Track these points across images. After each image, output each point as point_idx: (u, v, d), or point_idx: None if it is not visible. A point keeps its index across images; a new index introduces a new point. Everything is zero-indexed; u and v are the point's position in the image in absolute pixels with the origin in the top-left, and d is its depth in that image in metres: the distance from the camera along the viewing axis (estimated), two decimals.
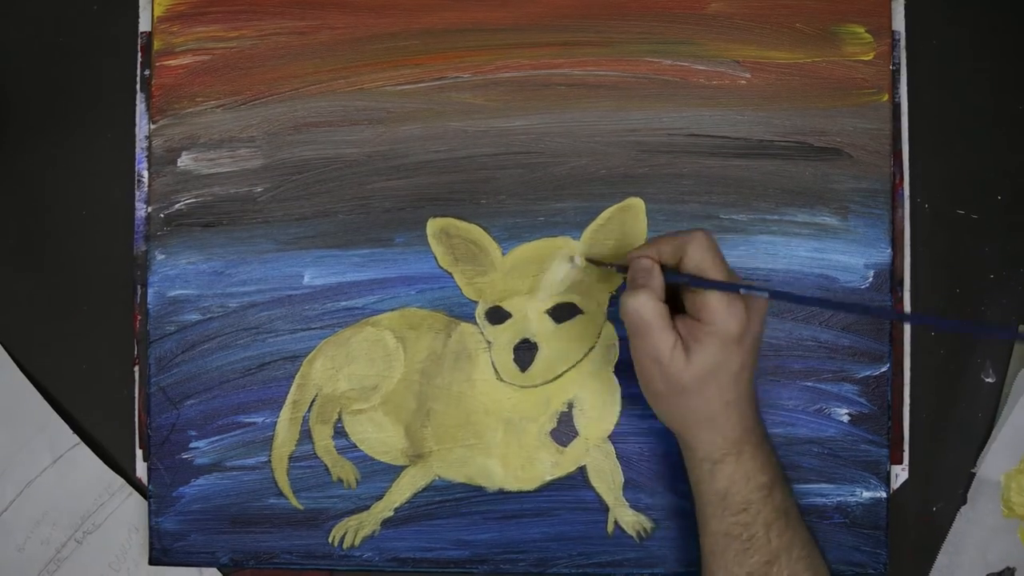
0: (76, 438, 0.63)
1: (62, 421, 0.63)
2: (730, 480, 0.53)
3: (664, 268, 0.53)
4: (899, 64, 0.62)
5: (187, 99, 0.62)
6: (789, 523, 0.53)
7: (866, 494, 0.60)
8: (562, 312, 0.60)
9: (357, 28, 0.62)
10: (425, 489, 0.61)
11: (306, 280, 0.61)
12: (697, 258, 0.52)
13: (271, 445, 0.61)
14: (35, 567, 0.62)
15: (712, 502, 0.54)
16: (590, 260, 0.60)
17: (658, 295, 0.52)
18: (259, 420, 0.61)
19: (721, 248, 0.59)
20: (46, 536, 0.63)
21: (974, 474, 0.61)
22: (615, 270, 0.58)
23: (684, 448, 0.55)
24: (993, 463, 0.61)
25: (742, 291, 0.51)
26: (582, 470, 0.61)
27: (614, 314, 0.61)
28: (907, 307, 0.62)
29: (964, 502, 0.61)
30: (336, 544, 0.61)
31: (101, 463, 0.63)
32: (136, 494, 0.63)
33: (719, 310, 0.51)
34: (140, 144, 0.63)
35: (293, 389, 0.61)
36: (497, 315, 0.61)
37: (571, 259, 0.60)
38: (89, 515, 0.63)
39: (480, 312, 0.61)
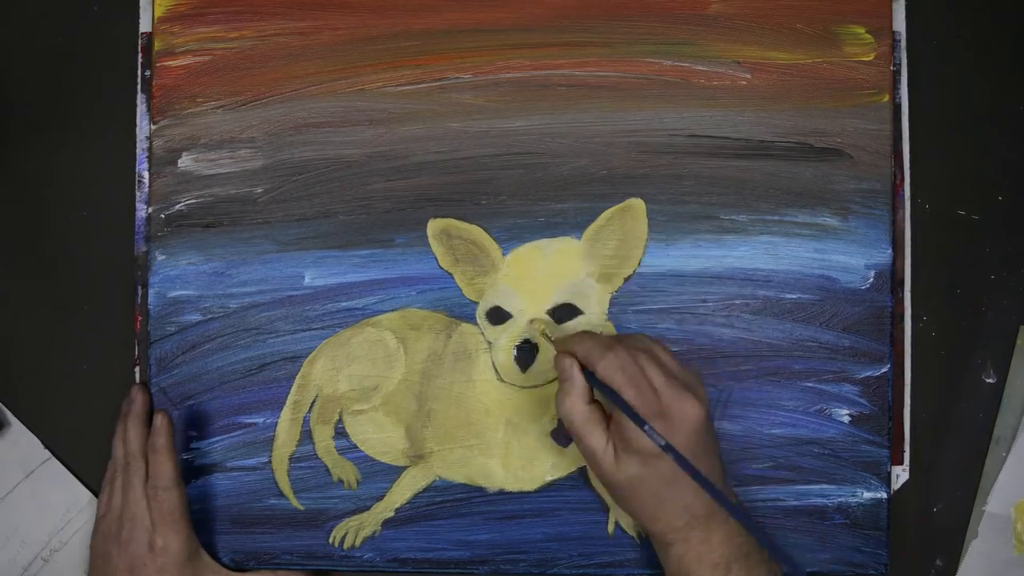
0: (48, 453, 0.63)
1: (33, 436, 0.63)
2: (679, 562, 0.53)
3: (586, 371, 0.53)
4: (899, 65, 0.62)
5: (188, 100, 0.62)
6: None
7: (867, 495, 0.60)
8: (562, 313, 0.60)
9: (358, 29, 0.62)
10: (426, 489, 0.61)
11: (307, 281, 0.61)
12: (607, 376, 0.52)
13: (272, 446, 0.61)
14: None
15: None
16: (544, 335, 0.59)
17: (585, 397, 0.53)
18: (260, 421, 0.61)
19: (721, 248, 0.59)
20: (13, 554, 0.62)
21: (984, 511, 0.61)
22: (548, 340, 0.58)
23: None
24: (1002, 496, 0.61)
25: (645, 428, 0.50)
26: (582, 470, 0.61)
27: (614, 315, 0.61)
28: (908, 307, 0.62)
29: (965, 504, 0.62)
30: (337, 544, 0.61)
31: (72, 478, 0.63)
32: None
33: (631, 429, 0.51)
34: (141, 145, 0.63)
35: (294, 390, 0.61)
36: (497, 315, 0.61)
37: (530, 323, 0.60)
38: (56, 532, 0.63)
39: (480, 312, 0.61)
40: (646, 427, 0.50)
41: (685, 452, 0.51)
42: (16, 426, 0.63)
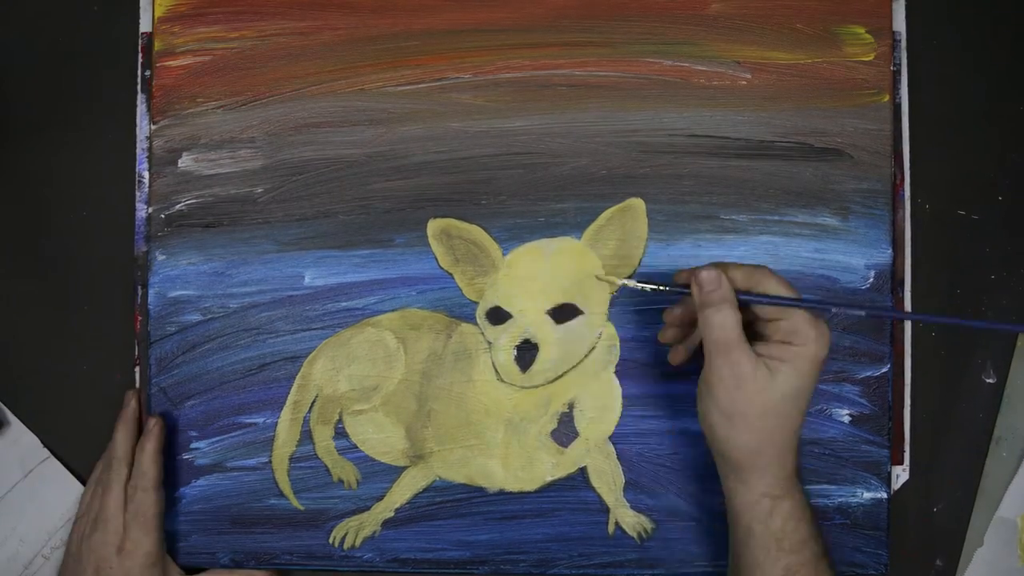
0: (47, 452, 0.63)
1: (33, 435, 0.63)
2: (788, 517, 0.51)
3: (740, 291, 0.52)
4: (899, 65, 0.62)
5: (188, 100, 0.62)
6: (831, 560, 0.52)
7: (867, 495, 0.60)
8: (563, 313, 0.60)
9: (358, 29, 0.62)
10: (426, 490, 0.61)
11: (307, 281, 0.61)
12: (774, 287, 0.51)
13: (272, 446, 0.61)
14: None
15: (766, 543, 0.51)
16: (640, 284, 0.55)
17: (737, 308, 0.51)
18: (260, 421, 0.61)
19: (721, 248, 0.59)
20: (14, 552, 0.62)
21: (991, 518, 0.61)
22: (666, 290, 0.55)
23: (736, 485, 0.52)
24: (1009, 505, 0.61)
25: (833, 310, 0.51)
26: (583, 471, 0.61)
27: (615, 315, 0.61)
28: (908, 307, 0.62)
29: (966, 504, 0.62)
30: (337, 545, 0.61)
31: (71, 477, 0.63)
32: None
33: (810, 333, 0.50)
34: (141, 145, 0.63)
35: (294, 390, 0.61)
36: (497, 315, 0.61)
37: (617, 282, 0.58)
38: (56, 530, 0.63)
39: (481, 312, 0.61)
40: (833, 309, 0.51)
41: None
42: (16, 425, 0.63)
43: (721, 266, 0.52)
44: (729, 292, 0.51)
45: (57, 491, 0.63)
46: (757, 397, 0.50)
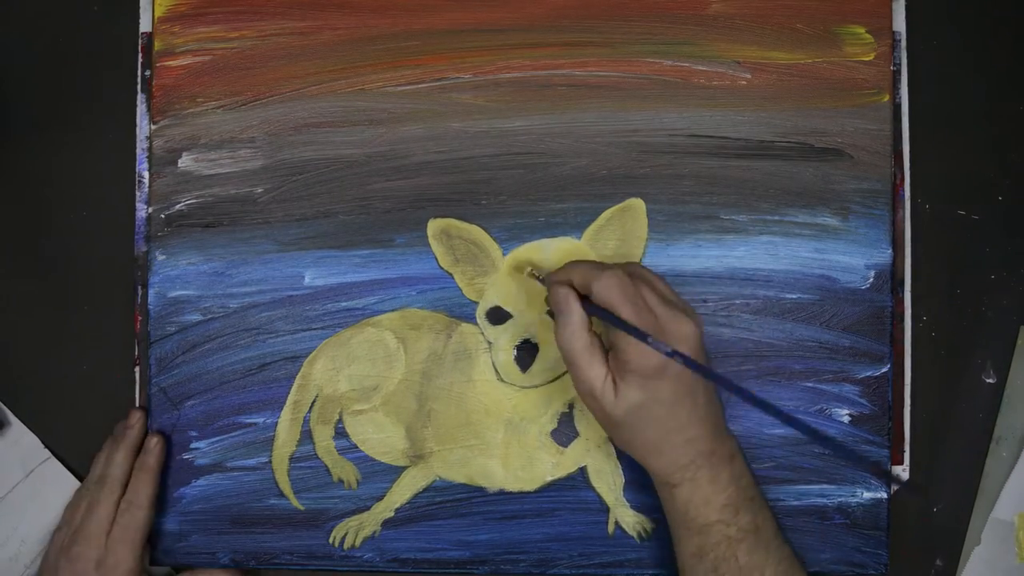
0: (47, 452, 0.63)
1: (33, 435, 0.63)
2: (687, 503, 0.52)
3: (583, 298, 0.52)
4: (899, 64, 0.62)
5: (188, 100, 0.62)
6: (760, 541, 0.52)
7: (867, 495, 0.60)
8: None
9: (358, 28, 0.62)
10: (426, 490, 0.61)
11: (307, 281, 0.61)
12: (604, 296, 0.51)
13: (272, 446, 0.61)
14: None
15: (676, 523, 0.53)
16: (533, 275, 0.59)
17: (583, 325, 0.52)
18: (260, 421, 0.61)
19: (721, 248, 0.59)
20: (15, 552, 0.62)
21: (987, 518, 0.61)
22: (537, 280, 0.58)
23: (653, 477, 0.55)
24: (1007, 504, 0.61)
25: (649, 340, 0.49)
26: (583, 470, 0.61)
27: None
28: (908, 307, 0.62)
29: (966, 504, 0.62)
30: (337, 545, 0.61)
31: (72, 477, 0.63)
32: None
33: (630, 350, 0.50)
34: (141, 145, 0.63)
35: (294, 390, 0.61)
36: (498, 315, 0.61)
37: (528, 272, 0.60)
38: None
39: (481, 312, 0.61)
40: (649, 339, 0.49)
41: (683, 373, 0.51)
42: (16, 425, 0.63)
43: (574, 265, 0.53)
44: (575, 310, 0.52)
45: (58, 491, 0.63)
46: (607, 410, 0.52)
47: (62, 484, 0.63)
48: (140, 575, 0.59)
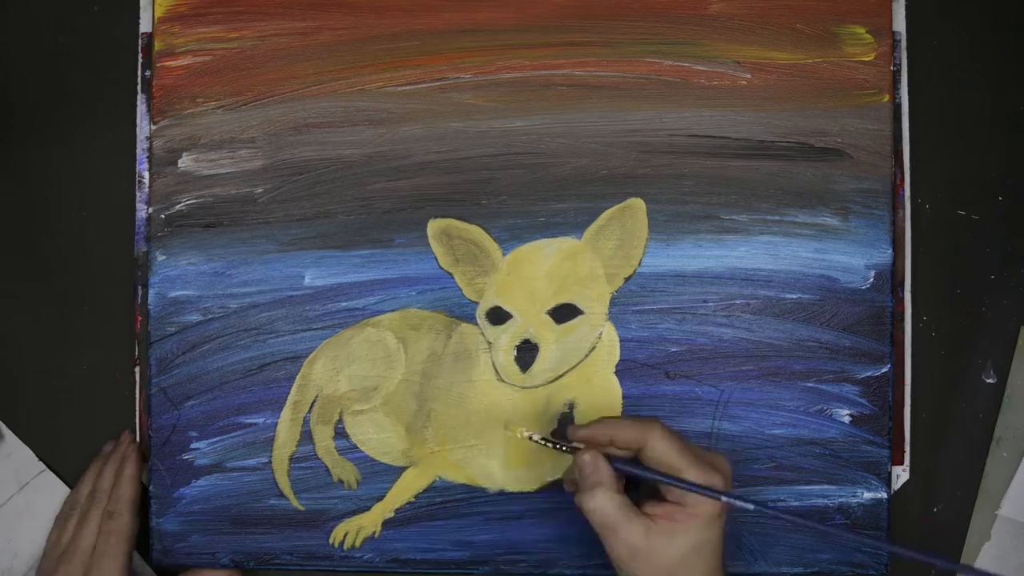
0: (42, 465, 0.63)
1: (27, 448, 0.63)
2: None
3: (623, 459, 0.52)
4: (899, 65, 0.62)
5: (188, 100, 0.62)
6: None
7: (867, 495, 0.60)
8: (563, 313, 0.60)
9: (358, 29, 0.62)
10: (426, 490, 0.61)
11: (307, 281, 0.61)
12: (660, 450, 0.50)
13: (272, 446, 0.61)
14: None
15: None
16: (543, 440, 0.55)
17: (614, 488, 0.50)
18: (260, 421, 0.61)
19: (722, 248, 0.59)
20: (8, 566, 0.62)
21: (997, 514, 0.61)
22: (565, 450, 0.54)
23: None
24: (1016, 501, 0.61)
25: (723, 499, 0.49)
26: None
27: (614, 315, 0.61)
28: (908, 307, 0.62)
29: (966, 503, 0.62)
30: (337, 545, 0.61)
31: (67, 489, 0.63)
32: None
33: (692, 496, 0.49)
34: (141, 145, 0.63)
35: (294, 390, 0.61)
36: (498, 315, 0.61)
37: (523, 434, 0.56)
38: None
39: (481, 313, 0.61)
40: (723, 498, 0.49)
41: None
42: (10, 438, 0.63)
43: (610, 425, 0.52)
44: (606, 474, 0.51)
45: (52, 504, 0.62)
46: (657, 562, 0.50)
47: (56, 497, 0.63)
48: None
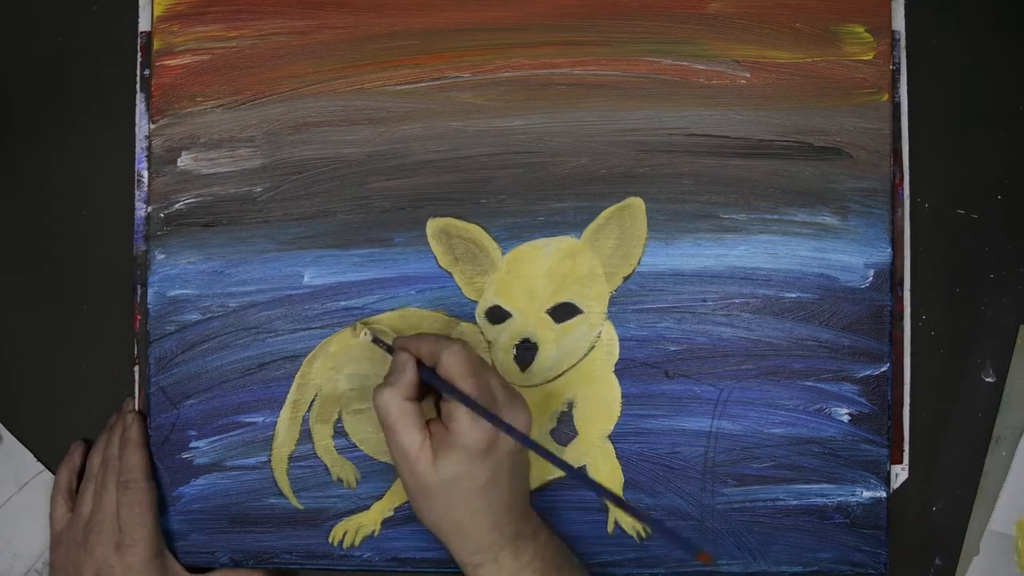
0: (40, 466, 0.63)
1: (26, 449, 0.63)
2: None
3: (423, 367, 0.53)
4: (899, 64, 0.62)
5: (187, 99, 0.62)
6: None
7: (866, 494, 0.60)
8: (562, 312, 0.60)
9: (357, 28, 0.62)
10: None
11: (306, 280, 0.61)
12: (450, 366, 0.52)
13: (271, 445, 0.61)
14: None
15: None
16: (375, 339, 0.59)
17: (406, 392, 0.52)
18: (259, 420, 0.61)
19: (721, 247, 0.59)
20: (7, 567, 0.62)
21: (985, 529, 0.61)
22: (386, 351, 0.57)
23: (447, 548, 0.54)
24: (1004, 513, 0.61)
25: (488, 416, 0.50)
26: (582, 470, 0.61)
27: (614, 314, 0.61)
28: (907, 306, 0.62)
29: (966, 503, 0.62)
30: (336, 544, 0.61)
31: None
32: None
33: (464, 422, 0.51)
34: (140, 144, 0.63)
35: (293, 389, 0.61)
36: (497, 315, 0.61)
37: (356, 330, 0.60)
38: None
39: (480, 312, 0.61)
40: (489, 414, 0.50)
41: (514, 452, 0.52)
42: (8, 439, 0.63)
43: (421, 339, 0.54)
44: (408, 378, 0.52)
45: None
46: (420, 478, 0.52)
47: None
48: (161, 551, 0.59)
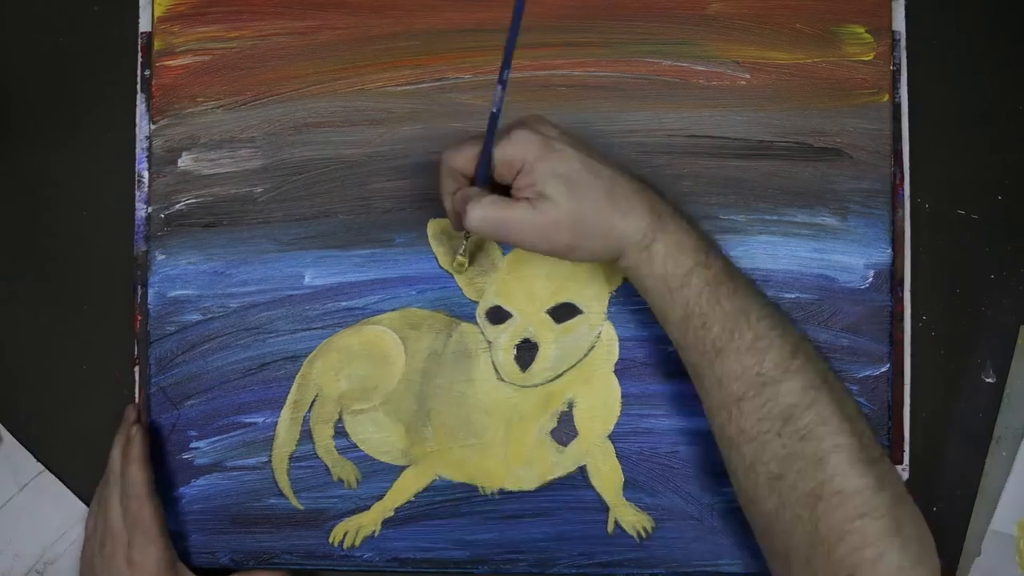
0: (41, 466, 0.63)
1: (26, 450, 0.63)
2: (665, 256, 0.52)
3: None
4: (899, 64, 0.62)
5: (187, 99, 0.62)
6: (738, 286, 0.53)
7: None
8: (562, 312, 0.60)
9: (357, 28, 0.62)
10: (426, 489, 0.61)
11: (307, 280, 0.61)
12: (467, 155, 0.53)
13: (271, 445, 0.61)
14: None
15: (659, 291, 0.53)
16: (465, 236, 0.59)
17: (483, 195, 0.52)
18: (259, 420, 0.61)
19: (721, 247, 0.60)
20: (8, 567, 0.62)
21: (987, 530, 0.61)
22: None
23: (623, 262, 0.54)
24: (1006, 514, 0.61)
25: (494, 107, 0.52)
26: (582, 469, 0.61)
27: (614, 314, 0.61)
28: (907, 307, 0.62)
29: (966, 503, 0.62)
30: (336, 544, 0.61)
31: (66, 490, 0.63)
32: None
33: (505, 153, 0.52)
34: (140, 144, 0.63)
35: (293, 389, 0.61)
36: (497, 315, 0.61)
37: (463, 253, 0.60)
38: (51, 545, 0.62)
39: (480, 312, 0.61)
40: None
41: (576, 142, 0.53)
42: (8, 440, 0.63)
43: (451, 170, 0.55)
44: (474, 190, 0.53)
45: (52, 505, 0.63)
46: (561, 220, 0.52)
47: (56, 498, 0.63)
48: (172, 564, 0.58)
